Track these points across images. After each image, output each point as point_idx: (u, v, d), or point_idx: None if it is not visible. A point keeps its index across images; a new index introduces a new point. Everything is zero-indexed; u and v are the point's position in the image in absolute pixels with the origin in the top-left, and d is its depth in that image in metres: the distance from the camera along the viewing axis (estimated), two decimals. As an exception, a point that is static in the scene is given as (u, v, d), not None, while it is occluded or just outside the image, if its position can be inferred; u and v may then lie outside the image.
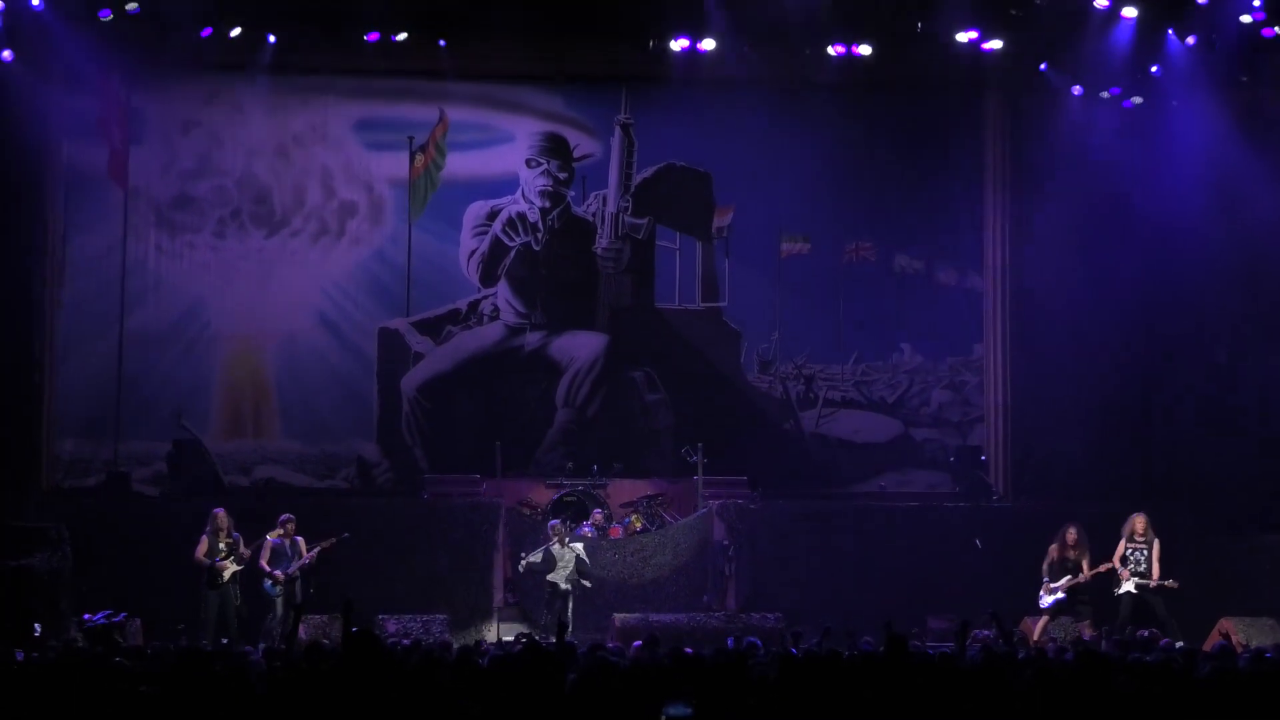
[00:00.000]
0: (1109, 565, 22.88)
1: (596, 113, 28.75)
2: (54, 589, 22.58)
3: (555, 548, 23.62)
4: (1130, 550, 22.91)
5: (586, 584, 23.62)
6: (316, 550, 22.89)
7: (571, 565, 23.54)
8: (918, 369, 29.10)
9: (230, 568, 22.68)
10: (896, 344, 29.09)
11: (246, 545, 22.82)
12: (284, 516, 23.11)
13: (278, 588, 22.74)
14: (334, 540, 22.94)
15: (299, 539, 23.01)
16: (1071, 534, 23.11)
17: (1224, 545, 25.13)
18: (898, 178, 28.82)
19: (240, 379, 27.84)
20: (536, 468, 27.57)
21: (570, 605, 23.36)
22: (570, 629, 21.83)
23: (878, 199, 28.90)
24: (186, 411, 27.27)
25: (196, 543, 22.75)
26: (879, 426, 28.97)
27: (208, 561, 22.66)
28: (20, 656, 15.97)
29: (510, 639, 21.50)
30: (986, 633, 20.10)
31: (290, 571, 22.82)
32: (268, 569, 22.81)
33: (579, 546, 23.78)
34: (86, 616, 21.66)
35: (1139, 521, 23.02)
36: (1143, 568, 22.76)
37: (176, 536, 22.96)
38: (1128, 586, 22.76)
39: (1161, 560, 22.78)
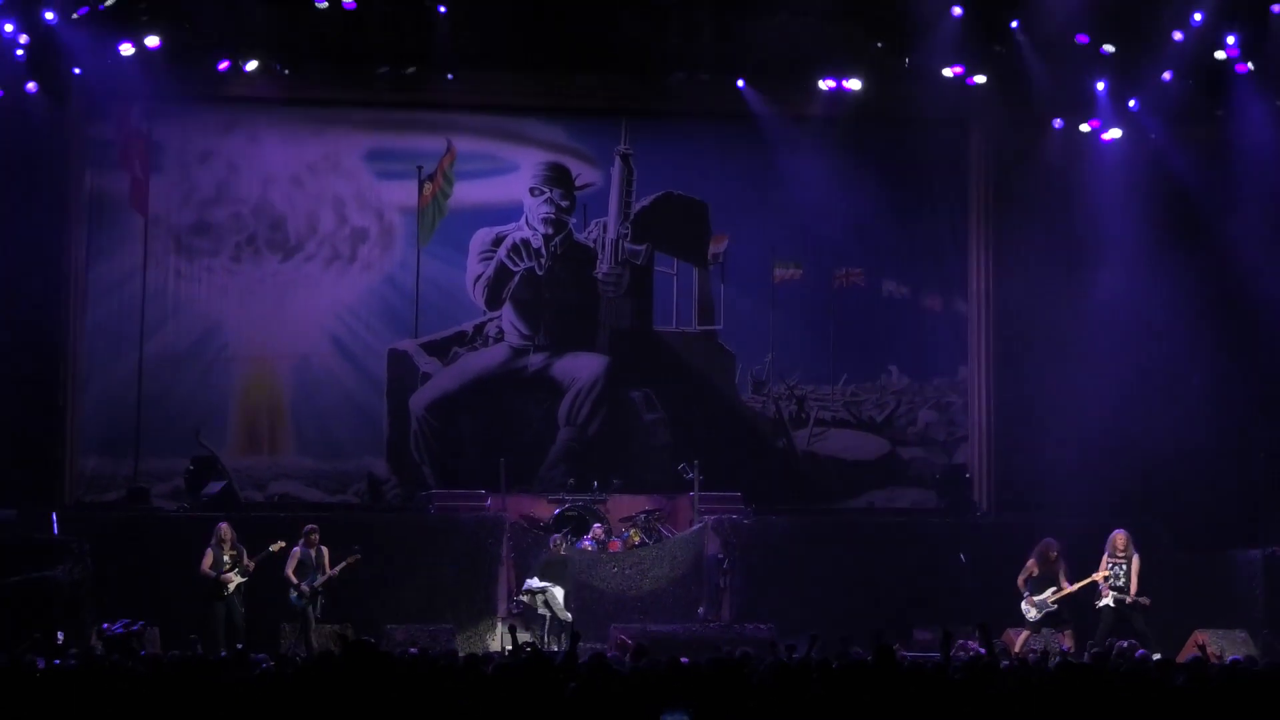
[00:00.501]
0: (1095, 578, 22.86)
1: (597, 143, 28.79)
2: (76, 599, 22.62)
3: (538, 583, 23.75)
4: (1111, 565, 22.88)
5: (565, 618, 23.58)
6: (340, 566, 22.88)
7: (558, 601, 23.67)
8: (905, 390, 29.11)
9: (235, 579, 22.70)
10: (885, 366, 29.10)
11: (250, 557, 22.85)
12: (308, 526, 23.14)
13: (303, 600, 22.75)
14: (356, 557, 22.92)
15: (324, 549, 23.01)
16: (1052, 549, 23.10)
17: (1199, 560, 25.16)
18: (886, 207, 28.79)
19: (256, 398, 27.84)
20: (539, 484, 27.57)
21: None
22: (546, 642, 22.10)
23: (866, 227, 28.87)
24: (204, 429, 27.27)
25: (200, 557, 22.81)
26: (868, 445, 28.98)
27: (213, 574, 22.70)
28: (41, 664, 15.95)
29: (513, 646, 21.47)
30: (972, 643, 20.10)
31: (315, 585, 22.82)
32: (294, 580, 22.82)
33: (558, 593, 23.80)
34: (105, 626, 21.69)
35: (1120, 538, 22.99)
36: (1121, 582, 22.73)
37: (194, 549, 22.94)
38: (1107, 600, 22.75)
39: (1140, 575, 22.76)
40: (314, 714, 12.07)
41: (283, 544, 22.89)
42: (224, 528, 22.92)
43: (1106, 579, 22.74)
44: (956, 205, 29.04)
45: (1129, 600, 22.61)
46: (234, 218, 27.96)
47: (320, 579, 22.83)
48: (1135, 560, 22.82)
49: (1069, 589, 22.84)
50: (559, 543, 24.46)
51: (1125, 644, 20.19)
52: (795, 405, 28.84)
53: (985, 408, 28.78)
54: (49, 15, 24.27)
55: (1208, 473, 26.40)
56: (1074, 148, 27.66)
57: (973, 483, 28.15)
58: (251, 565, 22.76)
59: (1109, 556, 22.92)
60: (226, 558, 22.76)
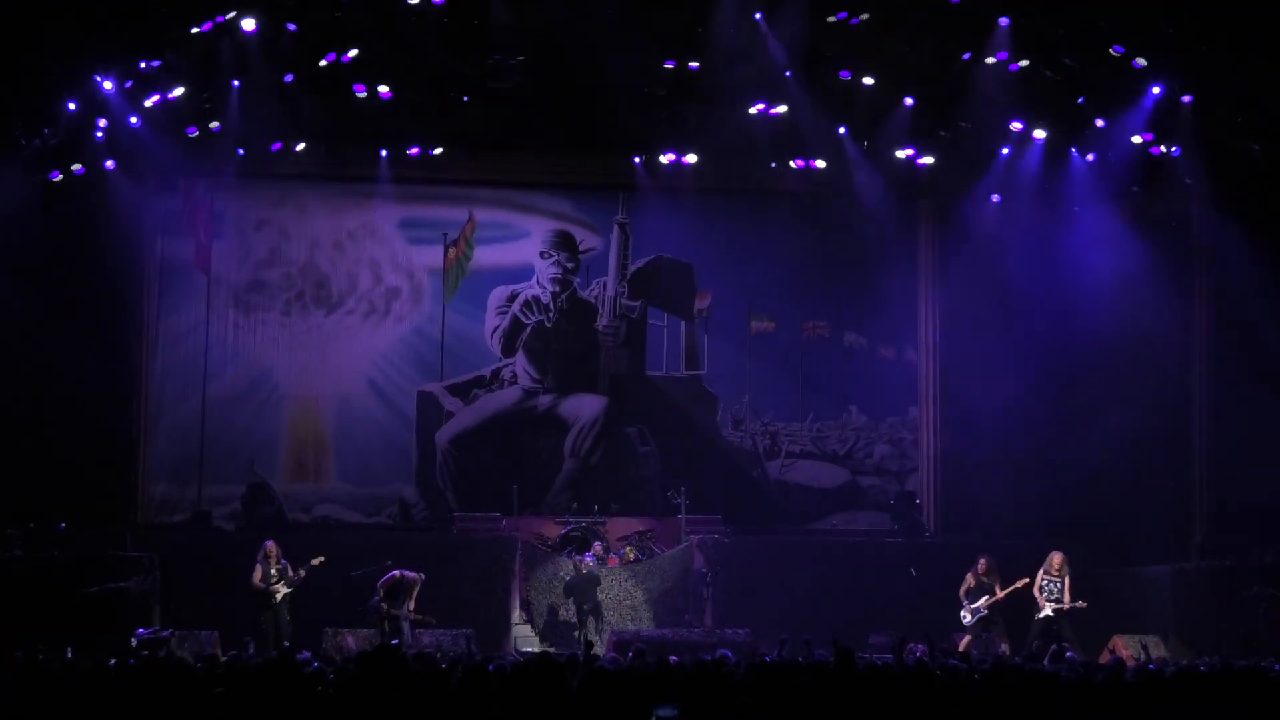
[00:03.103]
0: (1023, 583, 23.01)
1: (599, 214, 28.91)
2: (146, 608, 22.74)
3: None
4: (1046, 581, 23.03)
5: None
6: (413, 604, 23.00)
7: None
8: (863, 427, 29.16)
9: (281, 590, 22.78)
10: (846, 406, 29.16)
11: (294, 570, 22.92)
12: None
13: (386, 622, 22.70)
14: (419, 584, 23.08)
15: (420, 575, 23.02)
16: (982, 564, 23.34)
17: (1116, 574, 25.20)
18: (847, 269, 28.97)
19: (303, 433, 27.92)
20: (547, 508, 27.59)
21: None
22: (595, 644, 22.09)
23: (830, 286, 29.04)
24: (258, 460, 27.39)
25: (251, 571, 22.88)
26: (831, 474, 29.02)
27: (262, 586, 22.77)
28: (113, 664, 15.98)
29: (530, 649, 21.54)
30: (921, 647, 20.15)
31: (400, 612, 22.71)
32: (384, 606, 22.73)
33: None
34: (140, 630, 21.56)
35: (1056, 558, 23.16)
36: (1055, 596, 22.89)
37: (250, 564, 22.99)
38: (1046, 611, 22.90)
39: (1072, 591, 22.92)
40: (353, 706, 12.13)
41: (322, 559, 22.96)
42: (270, 545, 23.01)
43: (1043, 590, 22.92)
44: (908, 267, 29.12)
45: (1066, 607, 22.78)
46: (285, 277, 28.09)
47: (404, 609, 22.80)
48: (1068, 579, 23.01)
49: (1000, 595, 23.04)
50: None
51: (1055, 646, 20.26)
52: (769, 440, 28.92)
53: (933, 442, 28.87)
54: (124, 102, 24.36)
55: (1123, 499, 26.47)
56: (1010, 219, 27.74)
57: (922, 508, 28.25)
58: (296, 576, 22.82)
59: (1044, 572, 23.12)
60: (273, 571, 22.84)
